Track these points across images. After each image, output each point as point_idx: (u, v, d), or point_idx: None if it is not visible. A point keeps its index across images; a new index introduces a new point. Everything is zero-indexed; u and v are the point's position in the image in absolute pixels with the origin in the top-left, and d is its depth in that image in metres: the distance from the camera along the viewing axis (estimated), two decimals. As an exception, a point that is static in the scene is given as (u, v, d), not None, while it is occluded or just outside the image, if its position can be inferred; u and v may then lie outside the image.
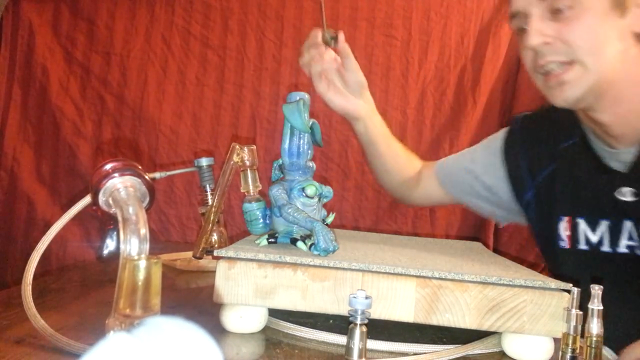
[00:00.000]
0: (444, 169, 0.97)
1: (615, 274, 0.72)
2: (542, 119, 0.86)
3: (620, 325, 0.68)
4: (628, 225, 0.72)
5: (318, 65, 0.82)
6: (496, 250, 1.37)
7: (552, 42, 0.69)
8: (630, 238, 0.72)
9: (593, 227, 0.75)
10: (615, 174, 0.74)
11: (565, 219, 0.78)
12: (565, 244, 0.78)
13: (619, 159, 0.74)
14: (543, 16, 0.70)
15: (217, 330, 0.50)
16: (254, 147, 0.63)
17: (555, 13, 0.69)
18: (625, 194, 0.71)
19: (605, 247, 0.74)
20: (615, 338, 0.59)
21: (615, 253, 0.73)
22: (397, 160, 0.98)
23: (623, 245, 0.72)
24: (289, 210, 0.56)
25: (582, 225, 0.76)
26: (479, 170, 0.92)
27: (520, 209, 0.89)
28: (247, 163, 0.62)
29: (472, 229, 1.45)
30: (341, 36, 0.82)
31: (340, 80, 0.86)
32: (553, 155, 0.82)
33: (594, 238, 0.75)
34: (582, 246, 0.76)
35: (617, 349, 0.56)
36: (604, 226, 0.74)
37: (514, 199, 0.89)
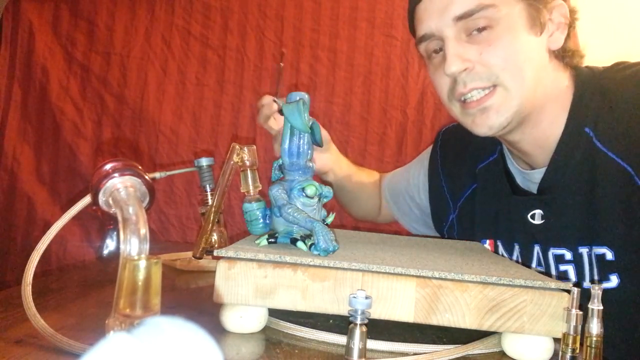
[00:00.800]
0: (389, 187, 1.01)
1: None
2: (461, 135, 0.82)
3: None
4: (536, 249, 0.70)
5: (276, 124, 0.84)
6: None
7: (472, 66, 0.65)
8: (539, 263, 0.70)
9: (509, 251, 0.74)
10: (528, 196, 0.71)
11: (488, 242, 0.78)
12: None
13: (531, 179, 0.71)
14: (459, 38, 0.65)
15: (217, 330, 0.50)
16: (254, 147, 0.63)
17: (472, 34, 0.65)
18: (535, 216, 0.69)
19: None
20: None
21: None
22: (363, 189, 1.02)
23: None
24: (289, 210, 0.56)
25: (501, 247, 0.75)
26: (412, 190, 0.94)
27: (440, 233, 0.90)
28: (247, 163, 0.62)
29: (472, 229, 1.45)
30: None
31: None
32: (472, 175, 0.80)
33: (513, 256, 0.75)
34: None
35: None
36: (517, 250, 0.73)
37: (434, 222, 0.90)
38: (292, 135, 0.59)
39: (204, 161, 0.79)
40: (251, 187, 0.62)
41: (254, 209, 0.60)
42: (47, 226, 0.47)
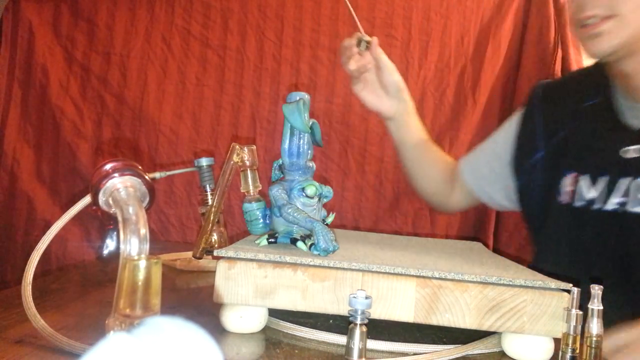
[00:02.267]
0: (467, 163, 0.97)
1: (598, 234, 0.74)
2: (566, 82, 0.86)
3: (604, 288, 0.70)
4: (625, 182, 0.72)
5: (354, 65, 0.87)
6: (496, 250, 1.37)
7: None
8: (625, 194, 0.72)
9: (593, 183, 0.75)
10: (628, 131, 0.73)
11: (570, 174, 0.78)
12: (563, 198, 0.79)
13: (638, 115, 0.74)
14: None
15: (217, 330, 0.50)
16: (254, 147, 0.63)
17: None
18: (630, 151, 0.71)
19: (597, 204, 0.74)
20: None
21: (602, 211, 0.73)
22: (432, 165, 0.98)
23: (612, 203, 0.72)
24: (289, 210, 0.56)
25: (584, 181, 0.76)
26: (499, 148, 0.92)
27: (513, 177, 0.88)
28: (247, 163, 0.62)
29: (472, 229, 1.45)
30: (374, 41, 0.88)
31: (378, 81, 0.91)
32: (574, 113, 0.81)
33: (590, 195, 0.75)
34: (578, 202, 0.76)
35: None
36: (602, 182, 0.74)
37: (513, 162, 0.88)
38: (292, 135, 0.59)
39: (204, 161, 0.79)
40: (251, 187, 0.62)
41: (254, 209, 0.60)
42: (47, 226, 0.47)
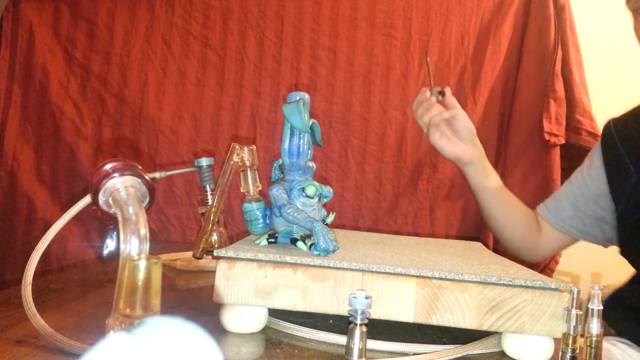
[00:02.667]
0: (547, 206, 0.98)
1: None
2: (636, 113, 0.86)
3: None
4: None
5: (431, 117, 0.90)
6: (496, 250, 1.37)
7: None
8: None
9: None
10: None
11: None
12: None
13: None
14: None
15: (217, 330, 0.50)
16: (254, 147, 0.63)
17: None
18: None
19: None
20: None
21: None
22: (514, 210, 0.98)
23: None
24: (289, 210, 0.56)
25: None
26: (581, 185, 0.92)
27: (612, 200, 0.87)
28: (247, 163, 0.62)
29: (472, 229, 1.45)
30: (448, 91, 0.92)
31: (450, 129, 0.93)
32: None
33: None
34: None
35: None
36: None
37: (611, 191, 0.87)
38: (292, 135, 0.59)
39: (204, 161, 0.79)
40: (251, 187, 0.62)
41: (254, 209, 0.60)
42: (47, 226, 0.47)
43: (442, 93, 0.92)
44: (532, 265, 1.36)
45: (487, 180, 0.95)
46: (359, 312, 0.43)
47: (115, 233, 0.53)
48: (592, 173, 0.92)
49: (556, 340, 0.48)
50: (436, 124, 0.92)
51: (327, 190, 0.60)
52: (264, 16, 1.44)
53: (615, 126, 0.91)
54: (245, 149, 0.62)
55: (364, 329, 0.43)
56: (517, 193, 1.41)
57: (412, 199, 1.43)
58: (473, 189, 0.97)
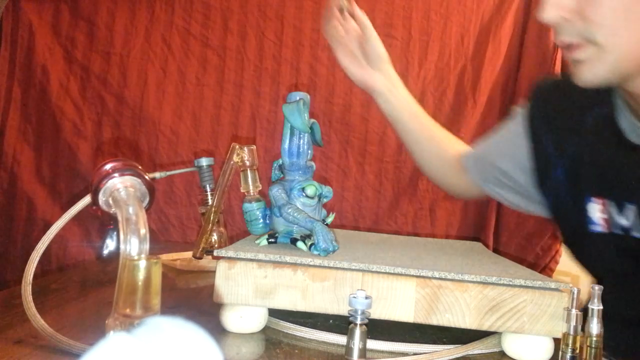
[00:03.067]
0: (469, 157, 0.90)
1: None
2: (565, 86, 0.74)
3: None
4: None
5: (338, 34, 0.83)
6: (496, 250, 1.37)
7: (570, 18, 0.60)
8: None
9: (621, 210, 0.67)
10: (637, 152, 0.64)
11: (596, 200, 0.69)
12: (600, 227, 0.70)
13: None
14: None
15: (217, 330, 0.50)
16: (254, 147, 0.63)
17: None
18: None
19: (635, 233, 0.65)
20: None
21: None
22: (431, 139, 0.91)
23: None
24: (289, 210, 0.56)
25: (612, 207, 0.68)
26: (493, 156, 0.85)
27: (539, 193, 0.80)
28: (247, 163, 0.62)
29: (472, 229, 1.45)
30: (355, 7, 0.84)
31: (362, 52, 0.85)
32: (579, 127, 0.72)
33: (623, 222, 0.66)
34: (616, 230, 0.67)
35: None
36: (631, 211, 0.66)
37: (533, 182, 0.80)
38: (292, 135, 0.59)
39: (204, 161, 0.79)
40: (251, 187, 0.62)
41: (254, 209, 0.60)
42: (47, 226, 0.47)
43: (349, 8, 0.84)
44: (532, 266, 1.37)
45: (398, 109, 0.88)
46: (359, 312, 0.43)
47: (115, 233, 0.53)
48: (504, 154, 0.84)
49: (556, 340, 0.48)
50: (345, 43, 0.85)
51: (327, 190, 0.60)
52: (264, 16, 1.44)
53: (545, 95, 0.79)
54: (245, 149, 0.62)
55: (364, 329, 0.43)
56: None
57: (412, 199, 1.43)
58: (387, 119, 0.91)
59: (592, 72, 0.60)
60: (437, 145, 0.92)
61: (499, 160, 0.85)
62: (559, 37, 0.62)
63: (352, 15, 0.84)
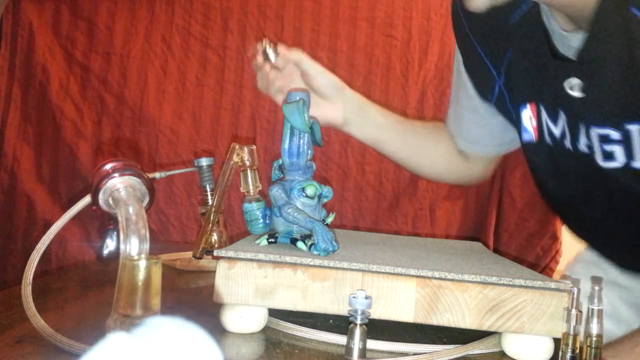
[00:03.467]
0: (449, 123, 0.84)
1: (577, 172, 0.63)
2: None
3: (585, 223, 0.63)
4: (582, 127, 0.60)
5: (274, 83, 0.74)
6: (496, 250, 1.37)
7: None
8: (588, 141, 0.60)
9: (553, 118, 0.63)
10: (563, 59, 0.60)
11: (528, 105, 0.65)
12: (531, 136, 0.66)
13: (570, 43, 0.61)
14: None
15: (217, 330, 0.50)
16: (254, 147, 0.63)
17: None
18: (574, 87, 0.59)
19: (567, 144, 0.62)
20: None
21: (578, 152, 0.61)
22: (420, 145, 0.84)
23: (583, 144, 0.60)
24: (289, 210, 0.56)
25: (544, 114, 0.64)
26: (460, 105, 0.79)
27: (496, 111, 0.74)
28: (247, 163, 0.62)
29: (472, 229, 1.45)
30: (281, 48, 0.75)
31: (311, 90, 0.76)
32: (506, 31, 0.66)
33: (556, 131, 0.63)
34: (547, 139, 0.64)
35: None
36: (562, 120, 0.62)
37: (483, 101, 0.74)
38: (292, 135, 0.59)
39: (204, 161, 0.79)
40: (251, 187, 0.62)
41: (254, 209, 0.60)
42: (47, 226, 0.47)
43: (274, 50, 0.75)
44: (532, 266, 1.37)
45: (374, 131, 0.80)
46: (359, 312, 0.43)
47: (115, 233, 0.53)
48: (460, 83, 0.77)
49: (556, 340, 0.48)
50: (286, 89, 0.74)
51: (327, 190, 0.60)
52: (264, 16, 1.44)
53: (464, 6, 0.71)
54: (245, 149, 0.62)
55: (364, 328, 0.43)
56: (517, 193, 1.42)
57: (412, 199, 1.43)
58: (367, 145, 0.83)
59: None
60: (428, 147, 0.85)
61: (465, 105, 0.80)
62: None
63: (282, 56, 0.75)
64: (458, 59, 0.78)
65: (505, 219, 1.42)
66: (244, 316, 0.51)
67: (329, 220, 0.61)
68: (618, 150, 0.58)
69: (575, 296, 0.45)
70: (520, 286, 0.49)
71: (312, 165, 0.61)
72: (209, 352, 0.19)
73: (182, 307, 0.61)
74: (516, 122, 0.68)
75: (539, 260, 1.40)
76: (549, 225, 1.39)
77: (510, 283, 0.49)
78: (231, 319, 0.51)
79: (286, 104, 0.59)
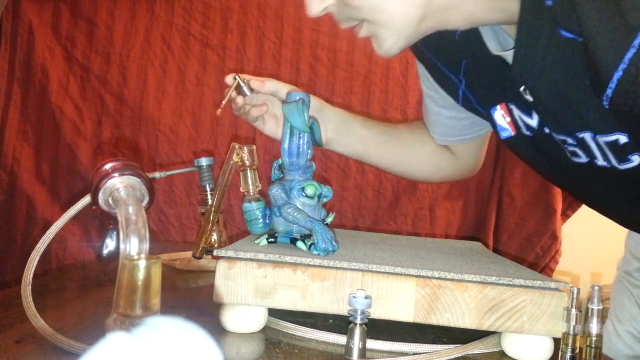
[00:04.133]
0: (443, 134, 0.83)
1: (563, 155, 0.62)
2: None
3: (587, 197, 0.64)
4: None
5: (252, 114, 0.75)
6: (496, 250, 1.37)
7: (335, 4, 0.57)
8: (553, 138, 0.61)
9: (527, 113, 0.63)
10: (505, 62, 0.60)
11: (499, 107, 0.65)
12: (509, 132, 0.66)
13: (507, 58, 0.61)
14: None
15: (217, 330, 0.50)
16: (254, 147, 0.63)
17: None
18: (527, 93, 0.59)
19: (547, 129, 0.62)
20: None
21: (555, 136, 0.61)
22: (406, 150, 0.83)
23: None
24: (289, 210, 0.56)
25: (517, 111, 0.64)
26: (432, 105, 0.80)
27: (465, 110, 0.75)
28: (247, 163, 0.62)
29: (472, 229, 1.45)
30: (254, 83, 0.75)
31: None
32: (456, 45, 0.67)
33: (532, 123, 0.62)
34: (525, 132, 0.64)
35: None
36: (536, 119, 0.62)
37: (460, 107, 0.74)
38: (292, 135, 0.59)
39: (204, 161, 0.79)
40: (251, 187, 0.62)
41: (254, 209, 0.60)
42: (47, 226, 0.47)
43: (247, 85, 0.75)
44: (532, 266, 1.37)
45: (359, 148, 0.80)
46: (359, 312, 0.43)
47: (115, 233, 0.53)
48: (429, 82, 0.78)
49: (556, 340, 0.48)
50: (267, 118, 0.77)
51: (327, 190, 0.60)
52: (264, 16, 1.44)
53: None
54: (245, 149, 0.62)
55: (364, 329, 0.43)
56: (517, 193, 1.42)
57: (412, 199, 1.43)
58: (353, 159, 0.83)
59: (386, 45, 0.57)
60: (414, 153, 0.85)
61: (434, 105, 0.80)
62: (340, 25, 0.59)
63: (256, 91, 0.76)
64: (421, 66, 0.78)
65: (505, 219, 1.42)
66: (244, 316, 0.51)
67: (329, 220, 0.61)
68: (579, 151, 0.59)
69: (575, 296, 0.45)
70: (520, 286, 0.49)
71: (312, 165, 0.61)
72: (209, 352, 0.19)
73: (182, 307, 0.61)
74: (490, 123, 0.69)
75: (539, 260, 1.40)
76: (549, 225, 1.39)
77: (510, 283, 0.49)
78: (231, 319, 0.51)
79: (286, 104, 0.59)
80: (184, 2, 1.43)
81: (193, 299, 0.68)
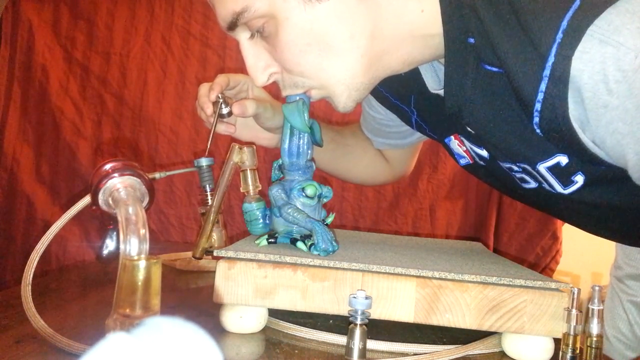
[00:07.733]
0: (378, 139, 0.86)
1: (513, 183, 0.63)
2: None
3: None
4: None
5: (223, 131, 0.78)
6: (496, 250, 1.37)
7: (279, 71, 0.58)
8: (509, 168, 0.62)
9: (477, 145, 0.64)
10: (440, 97, 0.61)
11: (452, 137, 0.67)
12: (466, 160, 0.68)
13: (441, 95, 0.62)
14: (254, 40, 0.57)
15: (217, 330, 0.50)
16: (254, 147, 0.63)
17: (260, 34, 0.56)
18: (469, 126, 0.60)
19: (498, 161, 0.62)
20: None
21: (504, 168, 0.62)
22: (355, 163, 0.87)
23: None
24: (289, 210, 0.56)
25: (467, 143, 0.65)
26: (372, 117, 0.82)
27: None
28: (247, 163, 0.62)
29: (472, 229, 1.45)
30: (235, 108, 0.72)
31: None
32: (404, 81, 0.67)
33: (484, 153, 0.63)
34: (479, 161, 0.65)
35: None
36: (484, 148, 0.64)
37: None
38: (292, 135, 0.59)
39: (204, 161, 0.79)
40: (251, 187, 0.62)
41: (254, 209, 0.60)
42: (47, 226, 0.47)
43: (228, 112, 0.74)
44: (532, 266, 1.37)
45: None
46: (359, 312, 0.43)
47: (115, 233, 0.53)
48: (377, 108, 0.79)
49: (556, 340, 0.48)
50: (248, 129, 0.81)
51: (327, 190, 0.60)
52: (264, 16, 1.44)
53: None
54: (245, 149, 0.62)
55: (364, 329, 0.43)
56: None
57: (412, 199, 1.43)
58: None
59: (341, 102, 0.58)
60: (355, 162, 0.88)
61: (376, 123, 0.83)
62: (284, 93, 0.60)
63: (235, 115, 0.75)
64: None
65: (505, 219, 1.42)
66: (244, 316, 0.51)
67: (329, 220, 0.61)
68: (527, 177, 0.60)
69: (575, 296, 0.45)
70: (521, 286, 0.49)
71: (312, 165, 0.61)
72: (208, 352, 0.19)
73: (182, 307, 0.61)
74: (447, 150, 0.70)
75: (539, 260, 1.40)
76: (549, 225, 1.39)
77: (511, 283, 0.49)
78: (231, 319, 0.51)
79: (286, 104, 0.59)
80: (184, 2, 1.43)
81: (193, 299, 0.68)
